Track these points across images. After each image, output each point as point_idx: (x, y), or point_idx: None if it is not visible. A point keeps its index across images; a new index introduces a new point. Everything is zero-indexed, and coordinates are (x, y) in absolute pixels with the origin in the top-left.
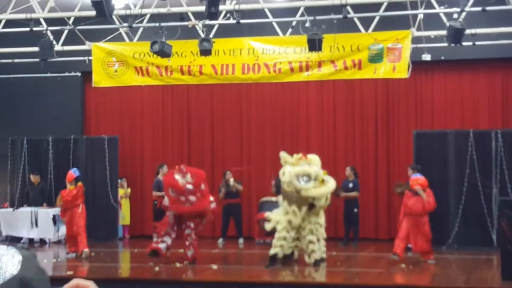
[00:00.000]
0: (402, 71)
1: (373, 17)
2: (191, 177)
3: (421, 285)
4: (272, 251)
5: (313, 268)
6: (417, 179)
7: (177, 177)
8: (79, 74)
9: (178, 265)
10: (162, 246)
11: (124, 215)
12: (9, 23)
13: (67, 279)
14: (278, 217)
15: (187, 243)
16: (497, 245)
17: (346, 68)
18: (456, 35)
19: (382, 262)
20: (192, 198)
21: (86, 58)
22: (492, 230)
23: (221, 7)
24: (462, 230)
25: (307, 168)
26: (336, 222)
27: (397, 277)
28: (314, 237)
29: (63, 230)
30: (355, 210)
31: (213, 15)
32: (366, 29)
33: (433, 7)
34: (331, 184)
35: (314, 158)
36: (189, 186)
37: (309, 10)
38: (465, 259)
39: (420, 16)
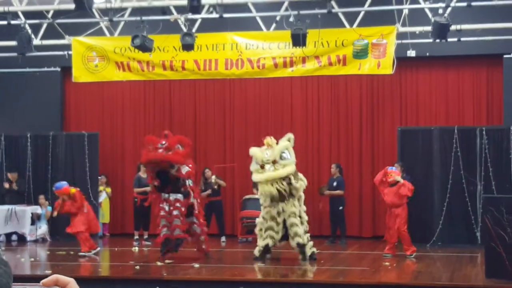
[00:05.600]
0: (386, 67)
1: (358, 12)
2: (168, 138)
3: (405, 282)
4: (263, 242)
5: (298, 251)
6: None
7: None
8: (58, 69)
9: (159, 263)
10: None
11: (104, 213)
12: None
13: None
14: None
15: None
16: (481, 242)
17: (330, 64)
18: (441, 30)
19: (366, 260)
20: (164, 151)
21: (65, 52)
22: (476, 228)
23: (203, 1)
24: (446, 227)
25: (258, 154)
26: (321, 220)
27: (381, 275)
28: (297, 219)
29: (43, 229)
30: (340, 208)
31: (196, 9)
32: (351, 24)
33: (418, 2)
34: (268, 174)
35: (278, 145)
36: (163, 142)
37: (293, 5)
38: (449, 257)
39: (405, 12)
